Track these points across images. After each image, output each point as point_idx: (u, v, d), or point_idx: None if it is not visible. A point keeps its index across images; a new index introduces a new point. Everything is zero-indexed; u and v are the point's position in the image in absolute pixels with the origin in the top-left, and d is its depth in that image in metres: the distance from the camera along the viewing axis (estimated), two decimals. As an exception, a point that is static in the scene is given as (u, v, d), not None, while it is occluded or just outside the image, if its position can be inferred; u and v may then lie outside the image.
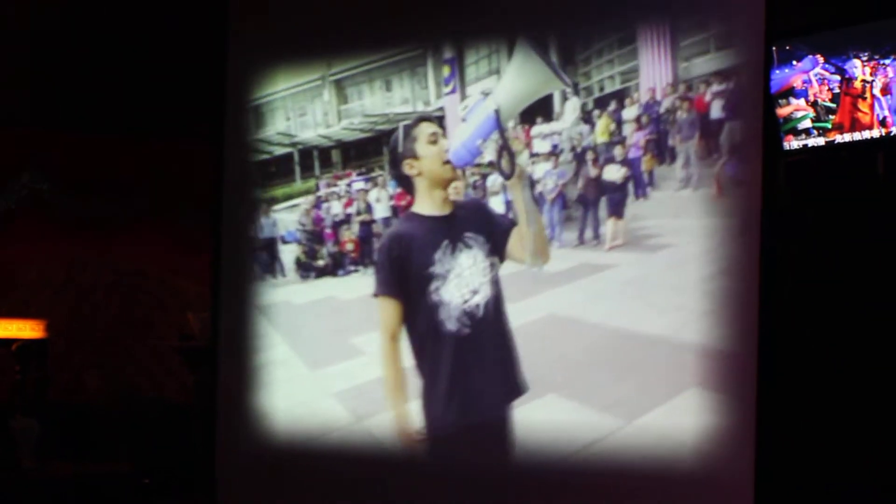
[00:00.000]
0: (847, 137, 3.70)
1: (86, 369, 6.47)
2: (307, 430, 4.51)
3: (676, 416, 3.65)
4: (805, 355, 3.78)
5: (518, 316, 3.66)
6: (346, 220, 4.42)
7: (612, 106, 3.77)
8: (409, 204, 3.57)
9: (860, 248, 3.77)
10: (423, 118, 3.59)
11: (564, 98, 3.87)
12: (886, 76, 3.54)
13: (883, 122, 3.57)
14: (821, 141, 3.74)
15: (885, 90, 3.56)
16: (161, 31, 5.48)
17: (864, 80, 3.60)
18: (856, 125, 3.63)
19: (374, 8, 4.38)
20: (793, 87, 3.77)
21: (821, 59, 3.68)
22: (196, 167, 5.49)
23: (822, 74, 3.69)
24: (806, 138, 3.75)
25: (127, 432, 5.90)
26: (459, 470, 4.08)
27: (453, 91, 4.09)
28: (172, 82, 5.59)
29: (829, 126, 3.70)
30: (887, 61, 3.53)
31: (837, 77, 3.66)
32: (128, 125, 6.02)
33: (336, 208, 4.45)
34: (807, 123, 3.75)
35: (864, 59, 3.59)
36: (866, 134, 3.65)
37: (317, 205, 4.51)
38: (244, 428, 4.71)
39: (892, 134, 3.58)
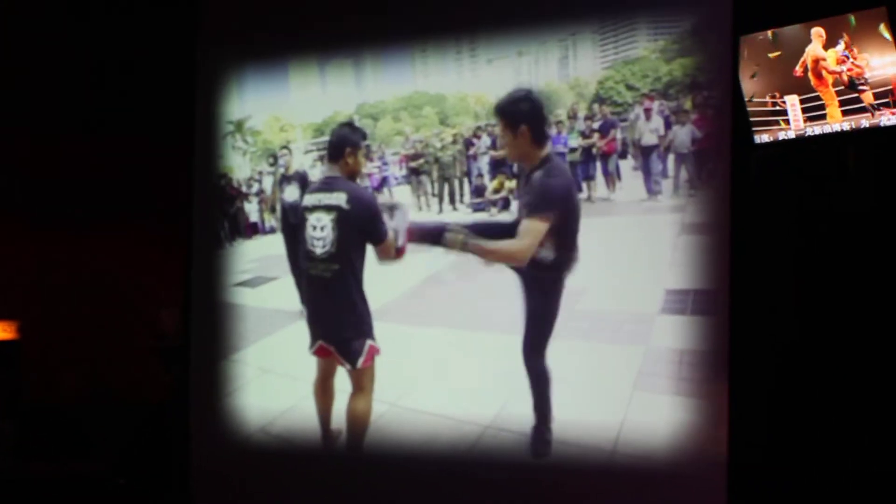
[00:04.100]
0: (816, 130, 3.71)
1: (60, 370, 6.41)
2: (282, 429, 4.50)
3: (649, 413, 3.69)
4: (777, 351, 3.79)
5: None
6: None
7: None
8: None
9: (830, 242, 3.78)
10: None
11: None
12: None
13: None
14: (791, 134, 3.75)
15: None
16: (131, 28, 5.44)
17: None
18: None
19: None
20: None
21: None
22: (167, 165, 5.45)
23: None
24: (775, 130, 3.77)
25: (102, 432, 5.85)
26: (434, 466, 4.10)
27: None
28: (142, 80, 5.55)
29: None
30: None
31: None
32: (97, 123, 5.96)
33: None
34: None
35: None
36: (836, 127, 3.67)
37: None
38: (219, 426, 4.69)
39: (863, 127, 3.60)
